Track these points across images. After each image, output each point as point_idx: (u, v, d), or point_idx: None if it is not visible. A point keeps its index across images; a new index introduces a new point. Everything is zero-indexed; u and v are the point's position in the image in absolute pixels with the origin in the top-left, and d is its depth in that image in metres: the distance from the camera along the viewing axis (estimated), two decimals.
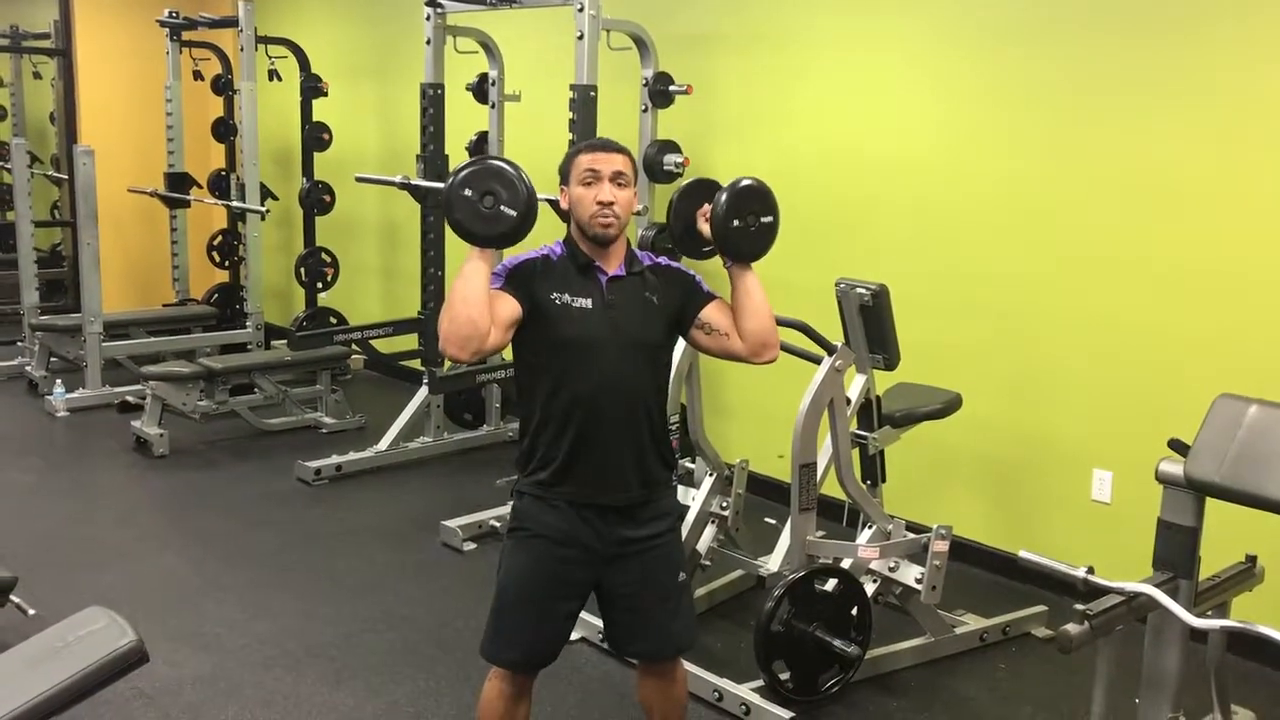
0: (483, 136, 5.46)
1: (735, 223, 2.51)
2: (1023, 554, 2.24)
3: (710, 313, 2.54)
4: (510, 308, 2.39)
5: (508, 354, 2.52)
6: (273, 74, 6.96)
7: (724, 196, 2.52)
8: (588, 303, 2.45)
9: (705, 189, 2.62)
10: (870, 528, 3.59)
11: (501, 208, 2.32)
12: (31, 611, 3.35)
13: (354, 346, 5.95)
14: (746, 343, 2.52)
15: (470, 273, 2.33)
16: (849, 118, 4.69)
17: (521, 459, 2.55)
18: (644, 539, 2.52)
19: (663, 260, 2.61)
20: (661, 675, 2.66)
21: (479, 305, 2.31)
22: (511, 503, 2.59)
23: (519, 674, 2.55)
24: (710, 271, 2.56)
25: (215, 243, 7.76)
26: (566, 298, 2.44)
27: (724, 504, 3.82)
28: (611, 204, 2.44)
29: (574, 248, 2.51)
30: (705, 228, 2.57)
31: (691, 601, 2.76)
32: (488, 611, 2.56)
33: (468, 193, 2.31)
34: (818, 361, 3.43)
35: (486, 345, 2.35)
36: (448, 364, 5.59)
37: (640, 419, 2.49)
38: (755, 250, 2.55)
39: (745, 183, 2.55)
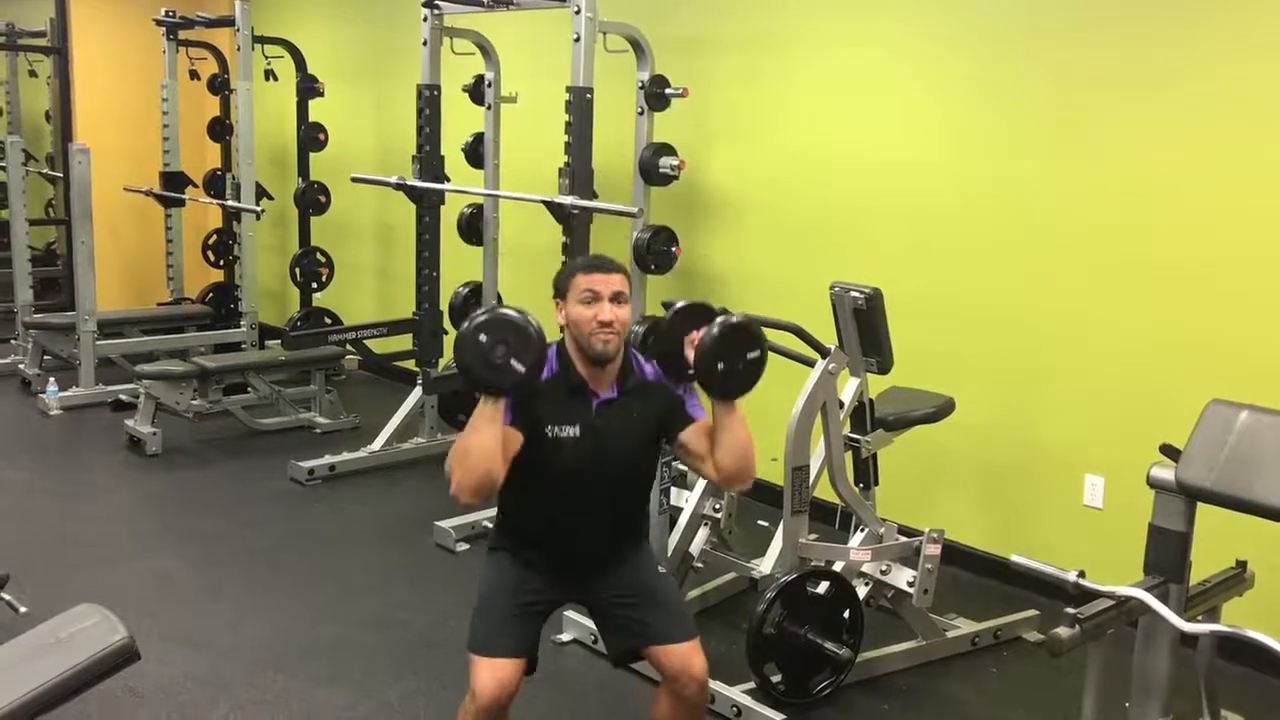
0: (479, 138, 5.46)
1: (720, 365, 2.47)
2: (1014, 558, 2.24)
3: (689, 436, 2.59)
4: (517, 442, 2.47)
5: None
6: (269, 74, 6.95)
7: (709, 337, 2.47)
8: (575, 430, 2.52)
9: (698, 315, 2.56)
10: (863, 531, 3.60)
11: (511, 360, 2.34)
12: (23, 609, 3.33)
13: (348, 347, 5.94)
14: (720, 475, 2.57)
15: (485, 423, 2.38)
16: (844, 121, 4.70)
17: (497, 529, 2.73)
18: (614, 558, 2.67)
19: (654, 375, 2.63)
20: (685, 707, 2.59)
21: (494, 457, 2.38)
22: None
23: (497, 662, 2.47)
24: None
25: (210, 242, 7.75)
26: (556, 429, 2.52)
27: (716, 506, 3.83)
28: (611, 323, 2.49)
29: (567, 364, 2.55)
30: (691, 355, 2.52)
31: (679, 595, 2.81)
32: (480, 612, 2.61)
33: (482, 338, 2.33)
34: (811, 364, 3.44)
35: (496, 487, 2.43)
36: (442, 364, 5.60)
37: (618, 523, 2.65)
38: (738, 390, 2.52)
39: (731, 321, 2.50)
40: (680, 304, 2.61)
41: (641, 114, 4.84)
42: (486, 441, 2.37)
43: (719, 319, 2.50)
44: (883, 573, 3.51)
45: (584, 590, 2.68)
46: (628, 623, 2.62)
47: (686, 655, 2.55)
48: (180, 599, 4.02)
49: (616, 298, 2.51)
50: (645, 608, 2.60)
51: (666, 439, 2.63)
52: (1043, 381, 4.17)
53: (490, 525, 4.44)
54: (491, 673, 2.45)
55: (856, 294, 3.51)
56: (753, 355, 2.51)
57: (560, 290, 2.58)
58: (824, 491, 3.59)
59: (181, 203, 7.28)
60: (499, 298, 5.40)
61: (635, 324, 4.59)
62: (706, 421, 2.59)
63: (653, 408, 2.59)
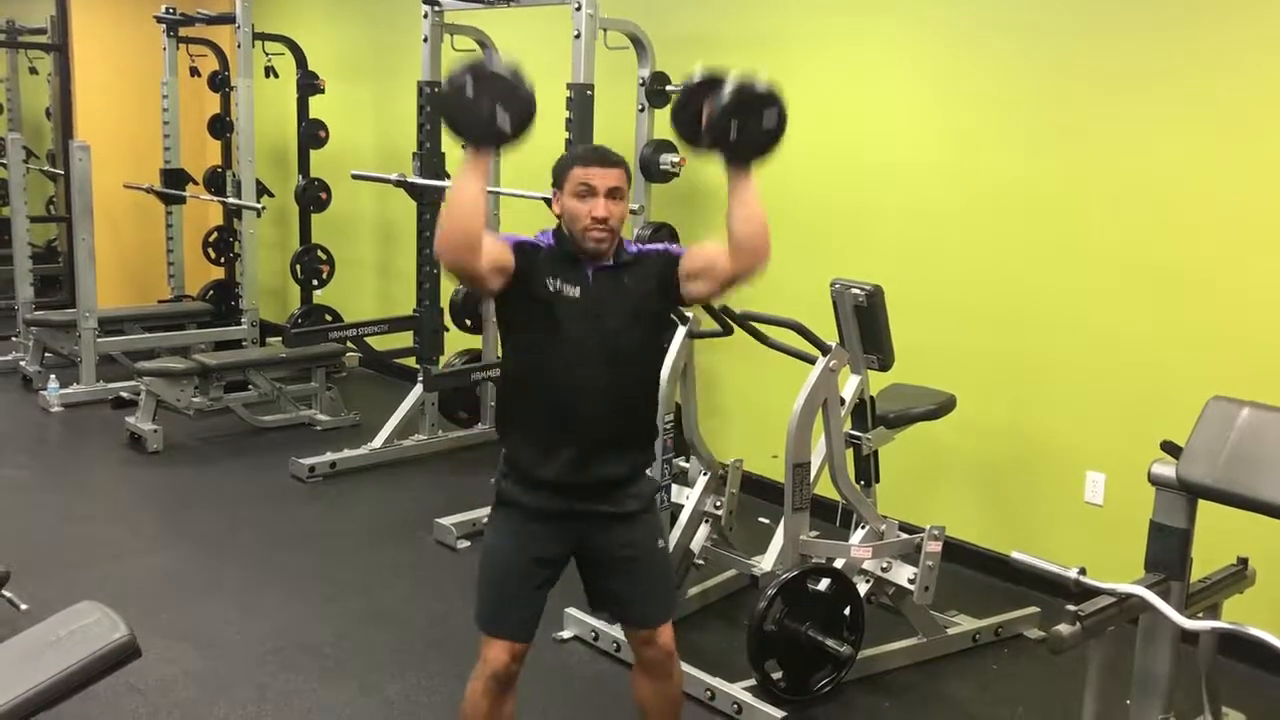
0: None
1: (734, 126, 2.30)
2: (1015, 555, 2.24)
3: (686, 262, 2.48)
4: (505, 256, 2.39)
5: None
6: (270, 71, 6.95)
7: (723, 97, 2.30)
8: (575, 292, 2.44)
9: (722, 83, 2.36)
10: (863, 528, 3.59)
11: (498, 109, 2.24)
12: (24, 606, 3.34)
13: (349, 344, 5.94)
14: (735, 254, 2.38)
15: (470, 175, 2.29)
16: (845, 119, 4.69)
17: (501, 443, 2.58)
18: (621, 514, 2.55)
19: (642, 248, 2.57)
20: (657, 675, 2.64)
21: (478, 213, 2.28)
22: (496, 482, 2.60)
23: (508, 642, 2.51)
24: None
25: (211, 239, 7.75)
26: (558, 284, 2.43)
27: (718, 503, 3.83)
28: (606, 220, 2.41)
29: (563, 240, 2.49)
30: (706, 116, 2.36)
31: (671, 571, 2.78)
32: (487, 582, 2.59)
33: (469, 90, 2.23)
34: (812, 361, 3.43)
35: (475, 264, 2.31)
36: (443, 361, 5.60)
37: (621, 412, 2.50)
38: (752, 153, 2.35)
39: (750, 83, 2.32)
40: (703, 71, 2.40)
41: (642, 111, 4.84)
42: (471, 195, 2.28)
43: (735, 79, 2.32)
44: (883, 570, 3.51)
45: (588, 531, 2.55)
46: (614, 599, 2.63)
47: (658, 669, 2.63)
48: (181, 596, 4.02)
49: (613, 193, 2.41)
50: (634, 580, 2.58)
51: (674, 296, 2.51)
52: (1044, 378, 4.17)
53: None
54: (502, 646, 2.50)
55: (857, 291, 3.51)
56: (769, 117, 2.33)
57: (557, 179, 2.49)
58: (825, 488, 3.59)
59: (182, 200, 7.28)
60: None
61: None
62: (698, 248, 2.50)
63: (647, 280, 2.50)
